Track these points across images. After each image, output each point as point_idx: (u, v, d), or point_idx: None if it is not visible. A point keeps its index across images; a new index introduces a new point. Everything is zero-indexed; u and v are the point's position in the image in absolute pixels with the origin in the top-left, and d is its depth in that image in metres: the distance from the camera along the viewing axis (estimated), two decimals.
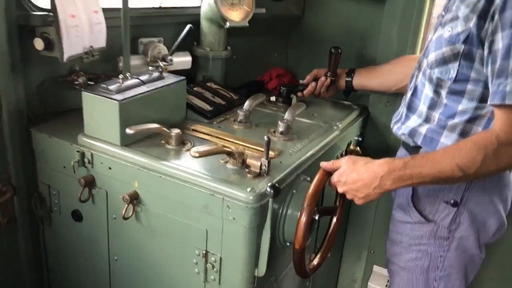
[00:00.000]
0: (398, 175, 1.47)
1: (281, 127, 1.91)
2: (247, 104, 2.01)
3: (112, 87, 1.71)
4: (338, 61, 2.22)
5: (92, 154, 1.73)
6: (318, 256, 1.80)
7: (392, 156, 1.88)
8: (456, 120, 1.56)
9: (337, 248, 2.67)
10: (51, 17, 1.70)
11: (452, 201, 1.64)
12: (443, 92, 1.58)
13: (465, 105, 1.54)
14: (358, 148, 2.25)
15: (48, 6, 1.70)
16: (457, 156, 1.41)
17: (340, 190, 1.59)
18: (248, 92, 2.42)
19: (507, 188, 1.67)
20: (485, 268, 1.99)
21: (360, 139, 2.37)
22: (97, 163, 1.74)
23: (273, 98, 2.34)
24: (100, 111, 1.70)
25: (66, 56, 1.73)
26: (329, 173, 1.61)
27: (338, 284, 2.79)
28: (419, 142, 1.66)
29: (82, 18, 1.76)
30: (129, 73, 1.82)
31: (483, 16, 1.39)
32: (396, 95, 2.21)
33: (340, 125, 2.10)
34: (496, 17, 1.34)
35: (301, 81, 2.41)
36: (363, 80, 2.22)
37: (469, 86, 1.50)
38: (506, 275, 2.37)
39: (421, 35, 2.18)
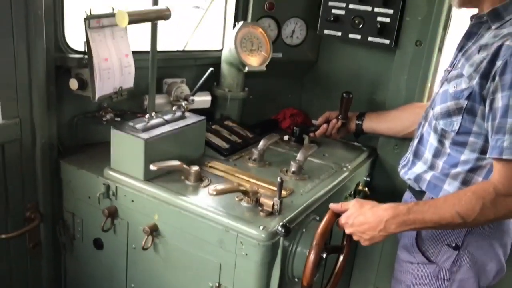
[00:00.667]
0: (402, 220, 1.58)
1: (293, 167, 2.03)
2: (261, 143, 2.14)
3: (138, 126, 1.85)
4: (349, 105, 2.34)
5: (116, 187, 1.86)
6: None
7: (399, 198, 2.01)
8: (459, 169, 1.67)
9: (344, 285, 2.74)
10: (86, 60, 1.87)
11: (453, 245, 1.73)
12: (447, 143, 1.69)
13: (467, 155, 1.64)
14: (366, 188, 2.36)
15: (84, 49, 1.87)
16: (457, 204, 1.52)
17: (347, 231, 1.69)
18: (263, 130, 2.55)
19: (506, 234, 1.75)
20: None
21: (368, 179, 2.47)
22: (121, 195, 1.86)
23: (286, 137, 2.46)
24: (127, 147, 1.84)
25: (97, 96, 1.88)
26: (337, 214, 1.71)
27: None
28: (423, 188, 1.77)
29: (114, 61, 1.93)
30: (154, 112, 1.97)
31: (485, 76, 1.51)
32: (404, 140, 2.31)
33: (349, 167, 2.21)
34: (497, 78, 1.47)
35: (314, 121, 2.53)
36: (372, 124, 2.34)
37: (471, 139, 1.62)
38: None
39: (428, 84, 2.30)
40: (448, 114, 1.65)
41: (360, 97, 2.48)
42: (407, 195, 1.96)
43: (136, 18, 1.76)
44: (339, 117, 2.37)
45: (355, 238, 1.69)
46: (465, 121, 1.61)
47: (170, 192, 1.77)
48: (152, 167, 1.76)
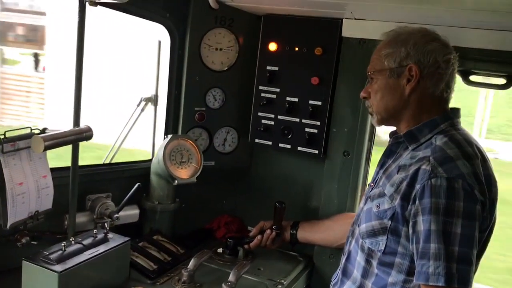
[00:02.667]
0: None
1: None
2: (191, 263, 2.02)
3: (53, 256, 1.70)
4: (283, 215, 2.31)
5: None
6: None
7: None
8: None
9: None
10: None
11: None
12: (374, 263, 1.66)
13: (394, 277, 1.61)
14: None
15: None
16: None
17: None
18: (196, 242, 2.45)
19: None
20: None
21: None
22: None
23: (220, 250, 2.36)
24: (39, 280, 1.67)
25: (9, 223, 1.74)
26: None
27: None
28: None
29: (30, 184, 1.81)
30: (73, 238, 1.83)
31: (406, 198, 1.54)
32: (339, 249, 2.27)
33: (285, 283, 2.13)
34: (417, 202, 1.50)
35: (250, 228, 2.46)
36: (306, 234, 2.30)
37: (397, 259, 1.60)
38: None
39: (359, 194, 2.33)
40: (373, 233, 1.64)
41: (294, 203, 2.47)
42: None
43: (53, 143, 1.68)
44: (273, 228, 2.32)
45: None
46: (390, 241, 1.60)
47: None
48: None
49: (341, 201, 2.35)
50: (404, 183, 1.55)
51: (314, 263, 2.44)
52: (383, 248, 1.61)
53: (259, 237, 2.33)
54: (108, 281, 1.84)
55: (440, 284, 1.42)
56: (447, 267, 1.42)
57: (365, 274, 1.69)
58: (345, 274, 1.80)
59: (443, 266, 1.42)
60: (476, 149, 1.58)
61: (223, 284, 1.92)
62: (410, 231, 1.53)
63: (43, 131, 1.80)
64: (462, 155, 1.52)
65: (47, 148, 1.65)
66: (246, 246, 2.35)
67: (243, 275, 2.07)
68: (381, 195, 1.64)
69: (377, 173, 1.80)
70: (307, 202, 2.54)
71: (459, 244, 1.43)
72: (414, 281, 1.50)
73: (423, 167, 1.52)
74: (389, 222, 1.59)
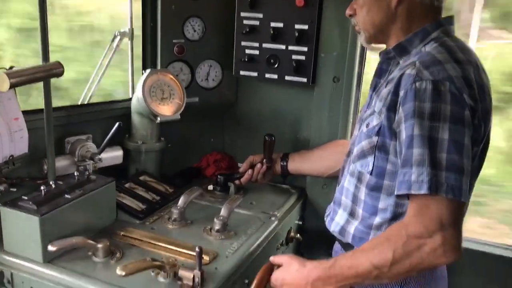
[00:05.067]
0: (326, 278, 1.44)
1: (217, 224, 1.86)
2: (181, 201, 1.95)
3: (33, 199, 1.61)
4: (273, 147, 2.22)
5: (12, 273, 1.61)
6: None
7: (334, 240, 1.86)
8: (379, 219, 1.56)
9: None
10: None
11: None
12: (363, 188, 1.59)
13: (384, 201, 1.53)
14: (298, 235, 2.23)
15: None
16: (371, 254, 1.37)
17: None
18: (185, 181, 2.37)
19: (442, 282, 1.67)
20: None
21: (300, 223, 2.35)
22: (17, 282, 1.61)
23: (210, 187, 2.30)
24: (20, 226, 1.60)
25: None
26: (269, 271, 1.56)
27: None
28: (349, 241, 1.65)
29: (1, 127, 1.68)
30: (53, 181, 1.74)
31: (392, 108, 1.42)
32: (332, 178, 2.20)
33: (278, 215, 2.08)
34: (400, 109, 1.38)
35: (240, 164, 2.39)
36: (296, 164, 2.23)
37: (386, 182, 1.51)
38: None
39: (351, 120, 2.23)
40: (363, 154, 1.56)
41: (284, 136, 2.38)
42: (337, 246, 1.84)
43: (19, 80, 1.54)
44: (264, 161, 2.24)
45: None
46: (377, 159, 1.50)
47: (74, 275, 1.54)
48: (50, 247, 1.53)
49: (332, 131, 2.26)
50: (390, 94, 1.43)
51: (307, 194, 2.39)
52: (371, 168, 1.52)
53: (249, 171, 2.26)
54: (95, 224, 1.77)
55: (422, 192, 1.28)
56: (431, 173, 1.28)
57: (355, 200, 1.62)
58: (337, 203, 1.74)
59: (426, 172, 1.28)
60: (471, 57, 1.45)
61: (215, 219, 1.86)
62: (397, 143, 1.42)
63: (10, 68, 1.66)
64: (452, 59, 1.38)
65: (13, 85, 1.52)
66: (237, 182, 2.28)
67: (235, 210, 2.01)
68: (372, 113, 1.54)
69: (370, 96, 1.69)
70: (297, 134, 2.45)
71: (447, 150, 1.29)
72: (395, 192, 1.38)
73: (407, 71, 1.39)
74: (376, 138, 1.48)
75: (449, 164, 1.29)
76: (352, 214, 1.65)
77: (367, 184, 1.57)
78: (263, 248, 1.87)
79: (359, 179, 1.60)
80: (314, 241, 2.32)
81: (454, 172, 1.29)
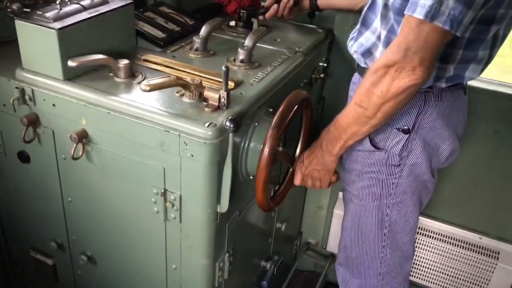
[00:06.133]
0: (333, 137, 1.51)
1: (241, 54, 1.77)
2: (204, 29, 1.84)
3: (49, 14, 1.52)
4: None
5: (33, 90, 1.57)
6: (282, 188, 1.75)
7: None
8: None
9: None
10: None
11: (404, 127, 1.57)
12: (391, 11, 1.44)
13: None
14: (322, 75, 2.16)
15: None
16: (356, 92, 1.39)
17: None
18: (205, 16, 2.22)
19: (461, 112, 1.62)
20: (438, 191, 2.03)
21: (325, 65, 2.26)
22: (39, 100, 1.58)
23: (232, 23, 2.17)
24: (37, 41, 1.52)
25: None
26: (297, 104, 1.55)
27: (304, 211, 2.80)
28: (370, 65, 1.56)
29: None
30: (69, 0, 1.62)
31: None
32: None
33: (304, 51, 1.98)
34: None
35: (263, 3, 2.23)
36: None
37: None
38: (458, 197, 2.40)
39: None
40: None
41: None
42: (355, 77, 1.76)
43: None
44: None
45: (309, 182, 1.69)
46: None
47: (96, 92, 1.50)
48: (71, 63, 1.47)
49: None
50: None
51: (334, 34, 2.25)
52: None
53: (275, 6, 2.10)
54: (114, 47, 1.69)
55: (416, 16, 1.21)
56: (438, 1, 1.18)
57: (383, 19, 1.49)
58: (365, 23, 1.59)
59: None
60: None
61: (239, 49, 1.77)
62: None
63: None
64: None
65: None
66: (261, 17, 2.13)
67: (259, 44, 1.90)
68: None
69: None
70: None
71: None
72: (405, 12, 1.26)
73: None
74: None
75: None
76: (379, 37, 1.54)
77: (393, 7, 1.42)
78: (288, 81, 1.80)
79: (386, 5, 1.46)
80: (338, 84, 2.25)
81: (463, 4, 1.18)
